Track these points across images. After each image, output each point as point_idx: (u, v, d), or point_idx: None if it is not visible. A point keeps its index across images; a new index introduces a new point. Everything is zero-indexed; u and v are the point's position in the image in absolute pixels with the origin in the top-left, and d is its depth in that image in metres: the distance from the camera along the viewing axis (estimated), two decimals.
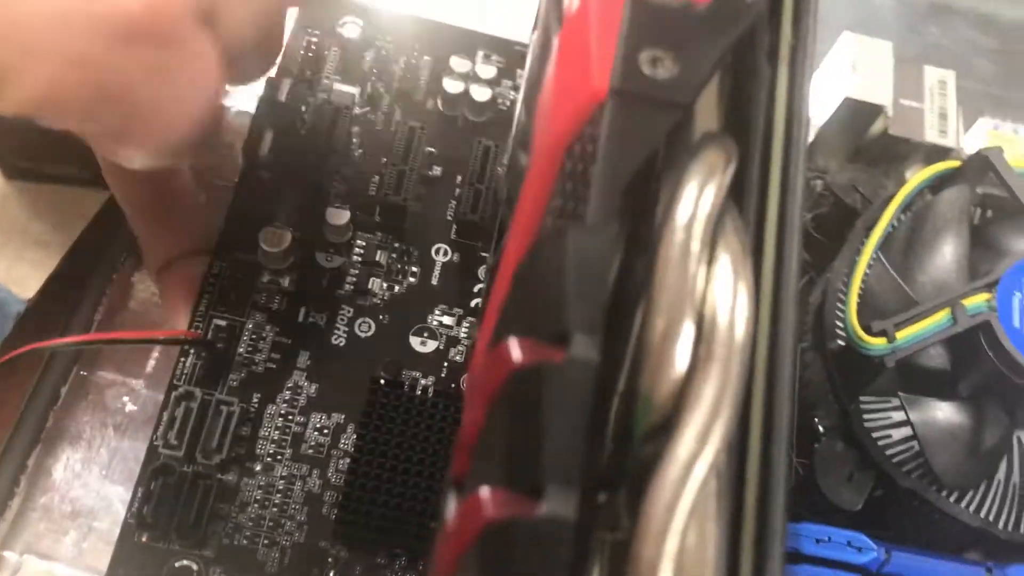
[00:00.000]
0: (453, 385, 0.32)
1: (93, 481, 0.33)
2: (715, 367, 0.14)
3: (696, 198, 0.15)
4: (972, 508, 0.29)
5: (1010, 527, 0.29)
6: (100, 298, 0.36)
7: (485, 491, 0.13)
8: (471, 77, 0.36)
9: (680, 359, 0.14)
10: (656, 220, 0.16)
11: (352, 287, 0.33)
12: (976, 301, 0.29)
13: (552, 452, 0.13)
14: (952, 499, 0.29)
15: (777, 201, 0.17)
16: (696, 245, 0.14)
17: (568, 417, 0.13)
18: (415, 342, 0.33)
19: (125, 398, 0.34)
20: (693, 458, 0.13)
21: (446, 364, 0.33)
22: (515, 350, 0.14)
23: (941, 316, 0.29)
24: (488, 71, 0.37)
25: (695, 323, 0.14)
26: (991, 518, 0.29)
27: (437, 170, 0.35)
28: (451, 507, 0.15)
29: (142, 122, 0.23)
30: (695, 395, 0.14)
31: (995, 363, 0.28)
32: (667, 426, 0.14)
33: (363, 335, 0.33)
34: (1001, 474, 0.29)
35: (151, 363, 0.35)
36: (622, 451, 0.15)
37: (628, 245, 0.16)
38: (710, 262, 0.15)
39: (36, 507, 0.33)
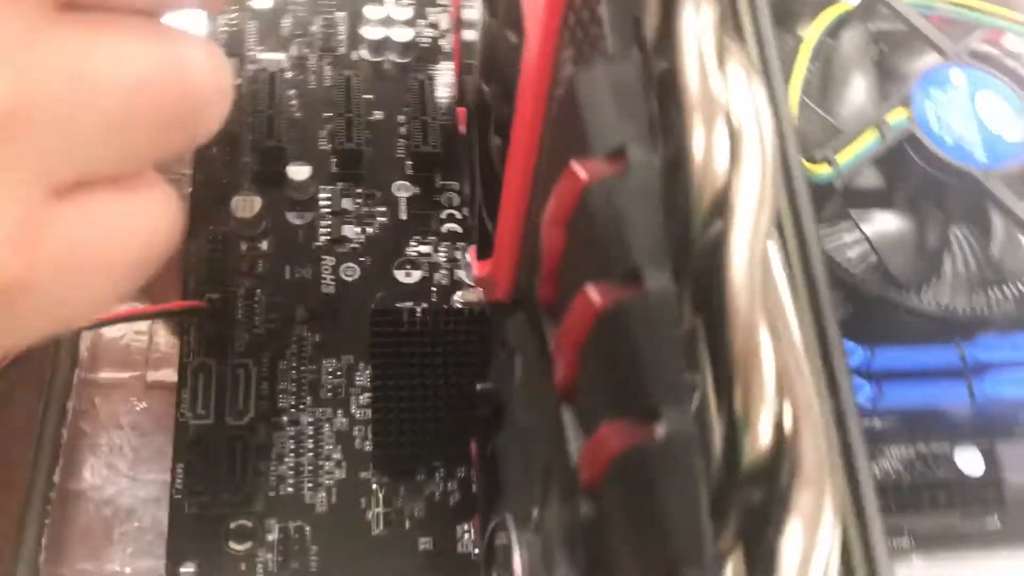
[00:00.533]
0: (446, 306, 0.34)
1: (124, 482, 0.34)
2: (751, 151, 0.16)
3: (696, 12, 0.17)
4: (932, 300, 0.32)
5: (967, 309, 0.32)
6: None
7: (591, 289, 0.15)
8: (389, 22, 0.38)
9: (721, 152, 0.16)
10: (650, 52, 0.18)
11: (328, 238, 0.35)
12: (897, 118, 0.32)
13: (640, 240, 0.15)
14: (914, 297, 0.32)
15: (751, 21, 0.19)
16: (710, 52, 0.16)
17: (645, 210, 0.15)
18: (400, 275, 0.34)
19: (132, 398, 0.35)
20: (756, 223, 0.15)
21: (434, 288, 0.34)
22: (580, 171, 0.16)
23: (870, 137, 0.32)
24: (403, 13, 0.38)
25: (726, 122, 0.16)
26: (949, 305, 0.32)
27: (379, 114, 0.37)
28: (550, 330, 0.17)
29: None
30: (741, 179, 0.16)
31: (923, 167, 0.32)
32: (721, 212, 0.16)
33: (350, 279, 0.34)
34: (947, 266, 0.33)
35: (152, 357, 0.35)
36: (678, 251, 0.17)
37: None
38: (722, 67, 0.17)
39: (75, 523, 0.33)
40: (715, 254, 0.16)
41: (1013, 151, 0.32)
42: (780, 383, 0.15)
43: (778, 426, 0.15)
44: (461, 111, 0.35)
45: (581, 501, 0.16)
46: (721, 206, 0.16)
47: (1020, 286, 0.32)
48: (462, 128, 0.34)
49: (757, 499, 0.14)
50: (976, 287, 0.33)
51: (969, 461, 0.32)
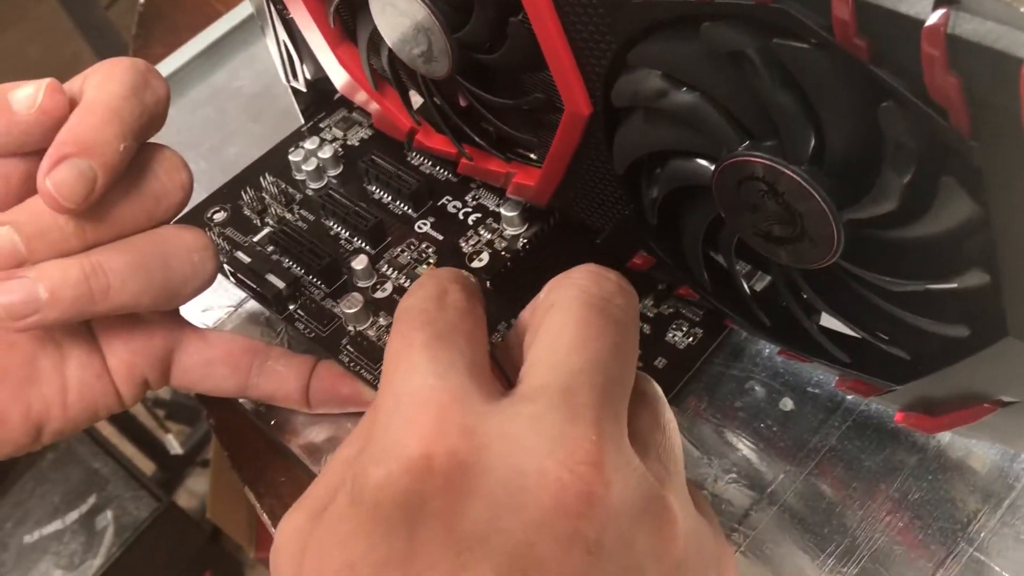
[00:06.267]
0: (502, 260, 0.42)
1: None
2: None
3: None
4: None
5: None
6: None
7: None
8: (309, 154, 0.47)
9: None
10: None
11: (407, 283, 0.42)
12: None
13: None
14: None
15: None
16: None
17: None
18: (473, 265, 0.42)
19: None
20: None
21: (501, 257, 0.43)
22: None
23: None
24: (311, 142, 0.47)
25: None
26: None
27: (361, 204, 0.45)
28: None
29: None
30: None
31: None
32: None
33: None
34: None
35: None
36: None
37: None
38: None
39: None
40: None
41: None
42: None
43: None
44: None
45: None
46: None
47: None
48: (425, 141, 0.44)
49: None
50: None
51: None
